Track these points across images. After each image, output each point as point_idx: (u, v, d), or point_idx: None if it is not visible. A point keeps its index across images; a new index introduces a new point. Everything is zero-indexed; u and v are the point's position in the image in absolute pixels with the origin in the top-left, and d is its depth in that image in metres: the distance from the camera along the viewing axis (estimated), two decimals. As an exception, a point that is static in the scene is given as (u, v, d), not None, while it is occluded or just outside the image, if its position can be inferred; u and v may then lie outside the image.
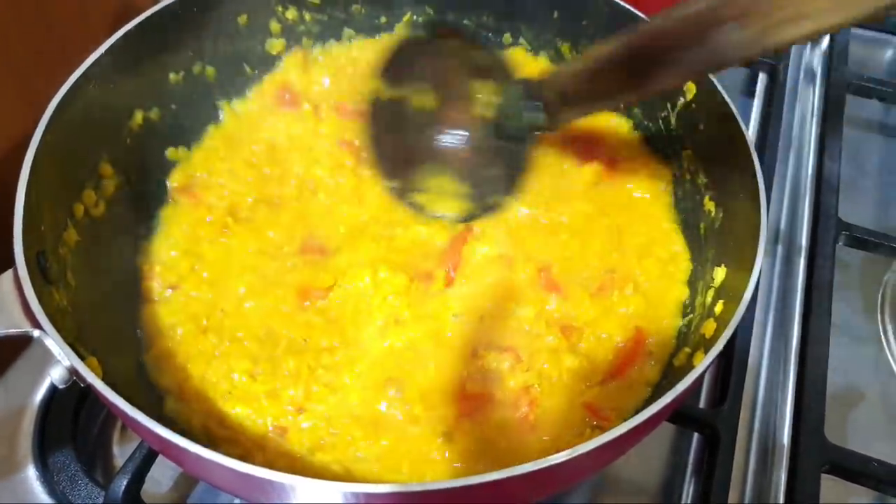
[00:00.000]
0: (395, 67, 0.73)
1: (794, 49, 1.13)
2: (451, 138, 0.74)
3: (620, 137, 0.83)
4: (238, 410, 0.62)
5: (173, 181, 0.77)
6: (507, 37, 0.87)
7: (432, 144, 0.74)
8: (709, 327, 0.61)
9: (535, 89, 0.67)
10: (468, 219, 0.74)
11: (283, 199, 0.77)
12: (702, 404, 0.78)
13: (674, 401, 0.50)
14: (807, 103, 1.12)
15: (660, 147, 0.80)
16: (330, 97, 0.84)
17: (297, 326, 0.68)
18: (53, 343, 0.50)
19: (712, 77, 0.70)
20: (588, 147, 0.81)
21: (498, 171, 0.72)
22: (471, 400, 0.64)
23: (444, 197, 0.74)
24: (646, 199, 0.78)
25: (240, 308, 0.69)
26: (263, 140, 0.81)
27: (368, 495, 0.46)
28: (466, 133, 0.73)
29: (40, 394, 0.74)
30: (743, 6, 0.51)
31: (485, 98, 0.71)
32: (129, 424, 0.53)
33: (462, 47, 0.71)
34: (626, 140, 0.83)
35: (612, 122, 0.84)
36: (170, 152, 0.79)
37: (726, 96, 0.68)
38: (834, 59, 1.07)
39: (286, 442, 0.61)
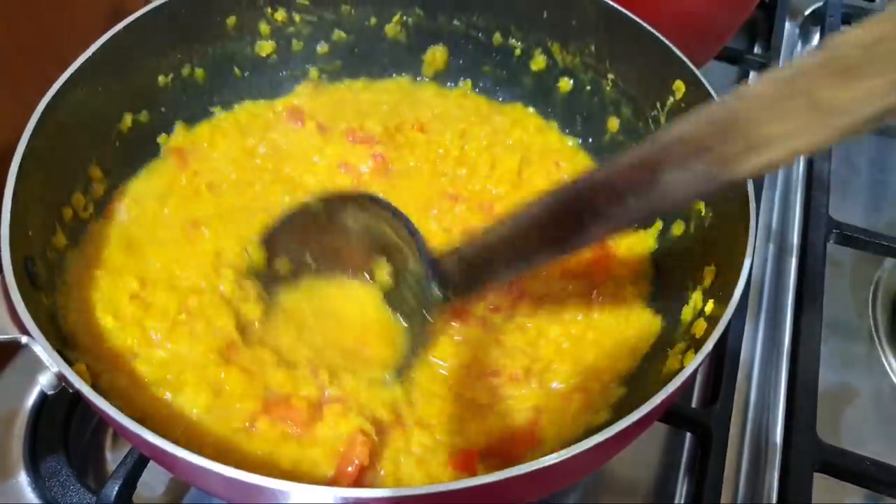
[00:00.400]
0: (282, 239, 0.69)
1: (784, 47, 1.14)
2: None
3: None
4: (107, 322, 0.64)
5: (172, 141, 0.80)
6: (497, 37, 0.87)
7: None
8: (699, 327, 0.61)
9: (439, 265, 0.64)
10: None
11: (260, 189, 0.78)
12: (694, 404, 0.78)
13: (665, 400, 0.50)
14: (798, 102, 1.12)
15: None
16: (342, 121, 0.84)
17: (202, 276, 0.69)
18: (41, 350, 0.50)
19: (701, 77, 0.70)
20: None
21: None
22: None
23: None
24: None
25: (172, 260, 0.70)
26: (269, 139, 0.83)
27: (359, 500, 0.46)
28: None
29: (31, 399, 0.74)
30: (698, 141, 0.48)
31: (384, 276, 0.69)
32: (119, 430, 0.53)
33: (365, 220, 0.68)
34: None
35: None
36: (161, 138, 0.80)
37: (715, 95, 0.68)
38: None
39: (135, 368, 0.62)
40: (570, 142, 0.86)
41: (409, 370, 0.65)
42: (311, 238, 0.70)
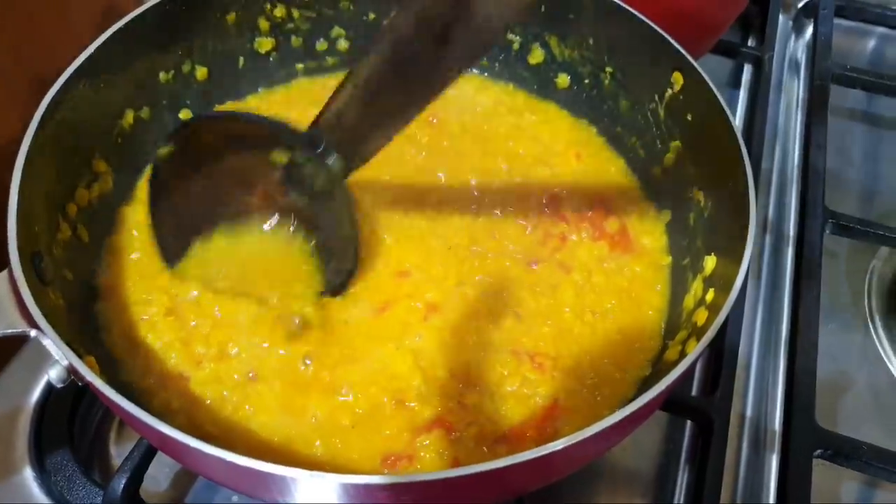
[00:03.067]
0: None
1: (778, 40, 1.14)
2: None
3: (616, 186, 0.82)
4: (150, 338, 0.65)
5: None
6: (496, 31, 0.88)
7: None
8: (701, 315, 0.62)
9: (317, 136, 0.63)
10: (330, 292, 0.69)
11: None
12: (694, 393, 0.79)
13: (669, 386, 0.51)
14: (792, 94, 1.13)
15: (649, 144, 0.80)
16: None
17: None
18: (51, 342, 0.50)
19: (699, 68, 0.71)
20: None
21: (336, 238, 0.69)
22: None
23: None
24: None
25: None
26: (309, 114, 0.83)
27: (361, 486, 0.47)
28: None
29: (36, 395, 0.74)
30: None
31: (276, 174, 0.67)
32: (128, 420, 0.53)
33: (223, 135, 0.67)
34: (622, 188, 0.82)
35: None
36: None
37: (713, 87, 0.69)
38: (818, 49, 1.08)
39: (189, 389, 0.63)
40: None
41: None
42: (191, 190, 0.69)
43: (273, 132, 0.65)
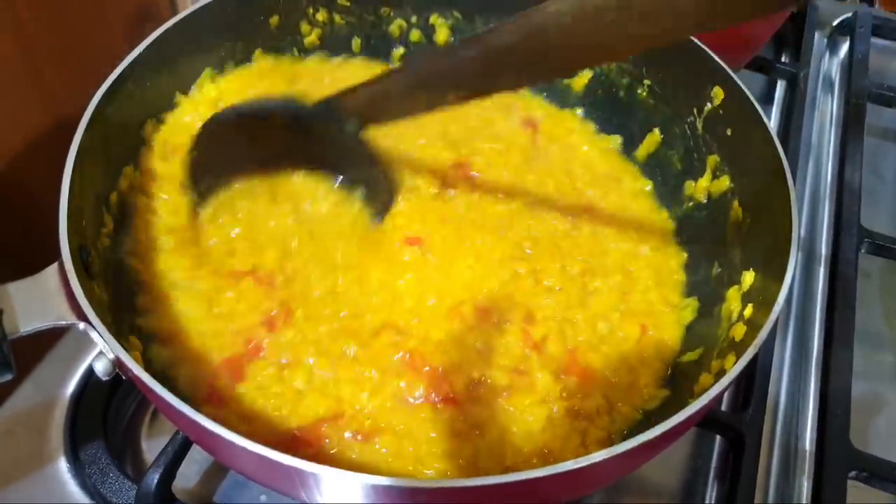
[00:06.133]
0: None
1: (813, 58, 1.14)
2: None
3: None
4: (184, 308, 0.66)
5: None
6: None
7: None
8: (738, 331, 0.62)
9: (337, 104, 0.64)
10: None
11: None
12: (724, 409, 0.79)
13: (710, 402, 0.51)
14: (825, 112, 1.13)
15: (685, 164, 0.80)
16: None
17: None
18: (98, 335, 0.50)
19: (740, 83, 0.71)
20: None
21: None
22: None
23: None
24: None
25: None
26: None
27: (389, 489, 0.46)
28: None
29: (71, 387, 0.75)
30: None
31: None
32: (169, 414, 0.54)
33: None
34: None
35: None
36: None
37: (755, 102, 0.69)
38: (855, 67, 1.07)
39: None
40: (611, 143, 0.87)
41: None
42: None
43: (286, 113, 0.67)
